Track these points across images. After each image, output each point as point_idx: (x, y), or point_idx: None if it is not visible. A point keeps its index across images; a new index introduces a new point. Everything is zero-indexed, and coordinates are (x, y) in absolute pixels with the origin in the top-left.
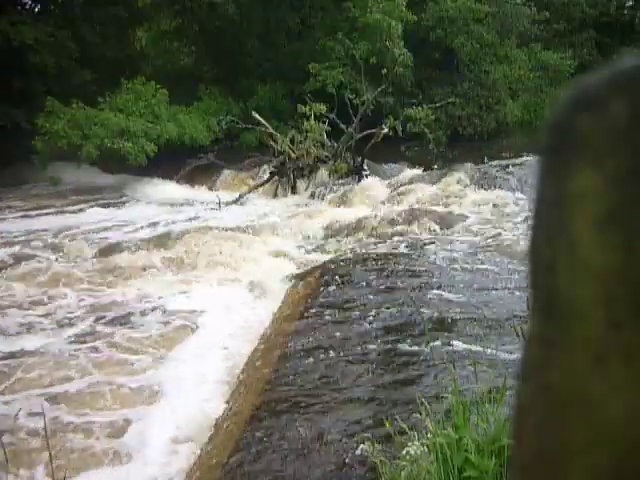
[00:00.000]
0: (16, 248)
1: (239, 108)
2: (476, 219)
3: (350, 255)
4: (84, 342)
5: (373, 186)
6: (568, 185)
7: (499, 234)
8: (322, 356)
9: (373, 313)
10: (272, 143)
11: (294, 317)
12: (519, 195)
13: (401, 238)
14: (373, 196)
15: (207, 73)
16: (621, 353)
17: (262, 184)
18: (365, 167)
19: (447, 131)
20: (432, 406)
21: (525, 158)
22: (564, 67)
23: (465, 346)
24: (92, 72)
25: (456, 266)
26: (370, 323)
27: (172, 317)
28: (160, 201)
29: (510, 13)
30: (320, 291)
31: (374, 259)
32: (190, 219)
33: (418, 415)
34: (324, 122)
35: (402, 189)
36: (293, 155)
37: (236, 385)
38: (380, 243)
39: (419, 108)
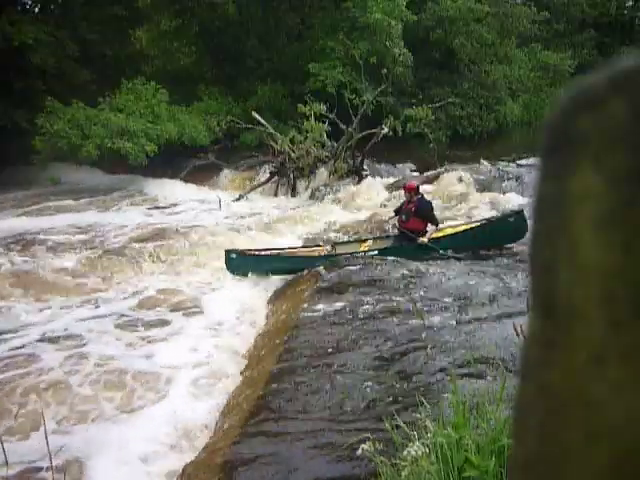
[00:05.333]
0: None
1: (239, 108)
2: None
3: (349, 256)
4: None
5: (373, 186)
6: (568, 185)
7: None
8: (320, 355)
9: (372, 314)
10: (272, 143)
11: (293, 317)
12: (519, 195)
13: None
14: (373, 196)
15: (207, 73)
16: (621, 353)
17: (262, 184)
18: (365, 167)
19: (447, 131)
20: (432, 406)
21: (525, 158)
22: (564, 67)
23: (465, 345)
24: (92, 72)
25: (454, 265)
26: (369, 324)
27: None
28: (160, 201)
29: (510, 13)
30: (318, 292)
31: (371, 260)
32: (189, 219)
33: (418, 415)
34: (324, 122)
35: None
36: (293, 155)
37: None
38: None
39: (419, 108)
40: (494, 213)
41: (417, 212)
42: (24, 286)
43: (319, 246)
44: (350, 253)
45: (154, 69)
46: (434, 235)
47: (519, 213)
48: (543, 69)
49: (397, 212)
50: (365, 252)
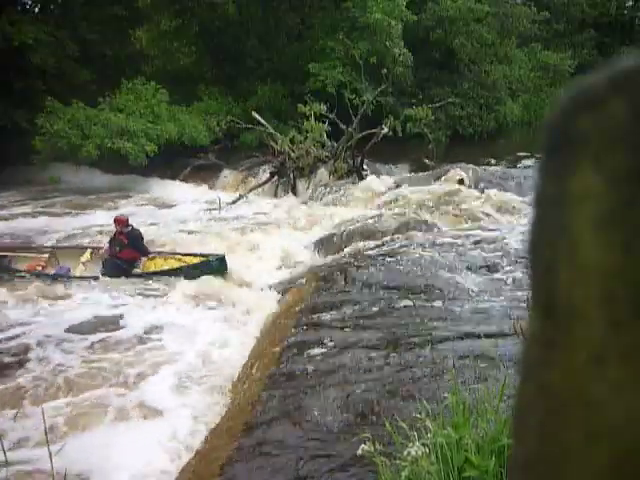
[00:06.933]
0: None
1: (239, 108)
2: (475, 219)
3: (349, 256)
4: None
5: (373, 186)
6: (568, 185)
7: (499, 234)
8: (320, 356)
9: (372, 314)
10: (272, 143)
11: (292, 317)
12: (519, 195)
13: (400, 238)
14: (372, 196)
15: (207, 73)
16: (621, 353)
17: (262, 184)
18: (365, 167)
19: (447, 131)
20: (432, 406)
21: (525, 158)
22: (564, 67)
23: (465, 345)
24: (92, 72)
25: (456, 266)
26: (369, 324)
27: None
28: (160, 201)
29: (510, 13)
30: (319, 291)
31: (373, 259)
32: (188, 220)
33: (418, 415)
34: (324, 122)
35: (402, 189)
36: (293, 155)
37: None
38: (379, 243)
39: (419, 108)
40: (494, 213)
41: (129, 243)
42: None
43: (36, 250)
44: (60, 276)
45: (154, 69)
46: (150, 269)
47: (221, 257)
48: (543, 69)
49: (110, 242)
50: (79, 277)
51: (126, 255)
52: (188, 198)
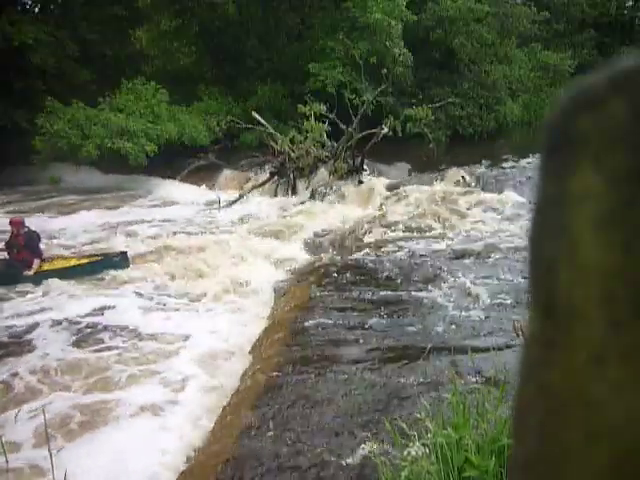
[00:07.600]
0: None
1: (239, 108)
2: (475, 219)
3: (349, 256)
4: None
5: (372, 186)
6: (568, 185)
7: (499, 234)
8: (320, 357)
9: (371, 314)
10: (272, 143)
11: (289, 319)
12: (518, 195)
13: (400, 238)
14: (372, 196)
15: (207, 73)
16: (621, 353)
17: (262, 184)
18: (365, 167)
19: (447, 131)
20: (432, 406)
21: (525, 158)
22: (564, 67)
23: (465, 346)
24: (92, 72)
25: (455, 266)
26: (369, 324)
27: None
28: (160, 201)
29: (510, 13)
30: (318, 292)
31: (373, 259)
32: (188, 220)
33: (418, 415)
34: (324, 122)
35: (401, 189)
36: (293, 155)
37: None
38: (379, 243)
39: (419, 108)
40: (494, 213)
41: (26, 245)
42: None
43: None
44: None
45: (154, 69)
46: (46, 268)
47: (123, 253)
48: (543, 69)
49: (7, 244)
50: None
51: (23, 257)
52: (188, 198)
